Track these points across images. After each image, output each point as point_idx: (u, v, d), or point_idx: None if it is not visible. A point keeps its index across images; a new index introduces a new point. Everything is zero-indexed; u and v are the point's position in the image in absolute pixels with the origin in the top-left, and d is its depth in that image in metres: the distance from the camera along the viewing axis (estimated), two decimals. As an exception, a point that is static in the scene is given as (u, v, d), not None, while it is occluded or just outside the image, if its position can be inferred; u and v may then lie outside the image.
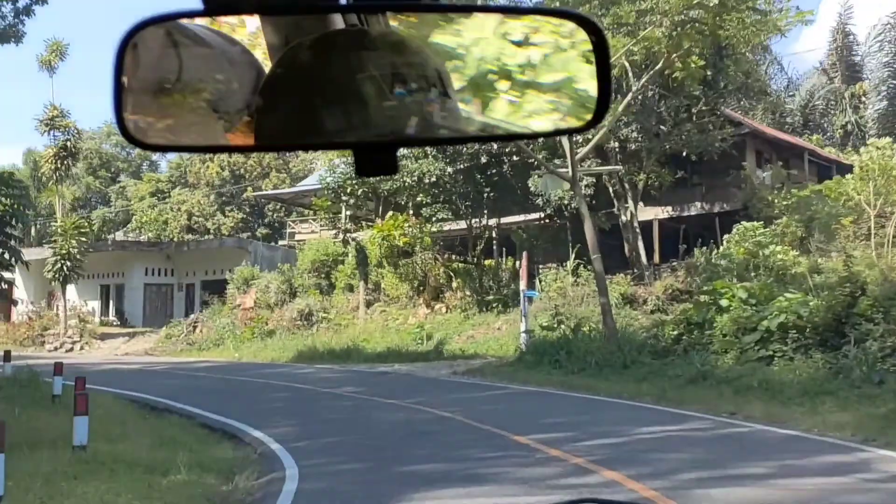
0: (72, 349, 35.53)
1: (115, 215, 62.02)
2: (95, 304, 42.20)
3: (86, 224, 39.18)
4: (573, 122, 1.29)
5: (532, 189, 29.92)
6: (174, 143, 1.25)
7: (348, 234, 35.82)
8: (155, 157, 69.79)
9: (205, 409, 15.72)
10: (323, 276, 36.38)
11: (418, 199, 31.89)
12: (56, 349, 35.25)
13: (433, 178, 30.71)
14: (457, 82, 1.25)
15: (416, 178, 30.63)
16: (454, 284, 32.59)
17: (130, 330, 38.95)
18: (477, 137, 1.35)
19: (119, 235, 53.17)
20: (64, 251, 35.54)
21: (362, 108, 1.19)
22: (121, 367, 26.02)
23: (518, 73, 1.26)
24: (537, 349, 23.48)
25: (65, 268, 35.35)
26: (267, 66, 1.26)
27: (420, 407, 15.56)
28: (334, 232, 37.87)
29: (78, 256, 35.90)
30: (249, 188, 54.67)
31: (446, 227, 33.61)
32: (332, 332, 32.30)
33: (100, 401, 14.30)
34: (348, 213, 38.17)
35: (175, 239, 48.97)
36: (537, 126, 1.28)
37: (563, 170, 24.30)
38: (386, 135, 1.20)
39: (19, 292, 42.07)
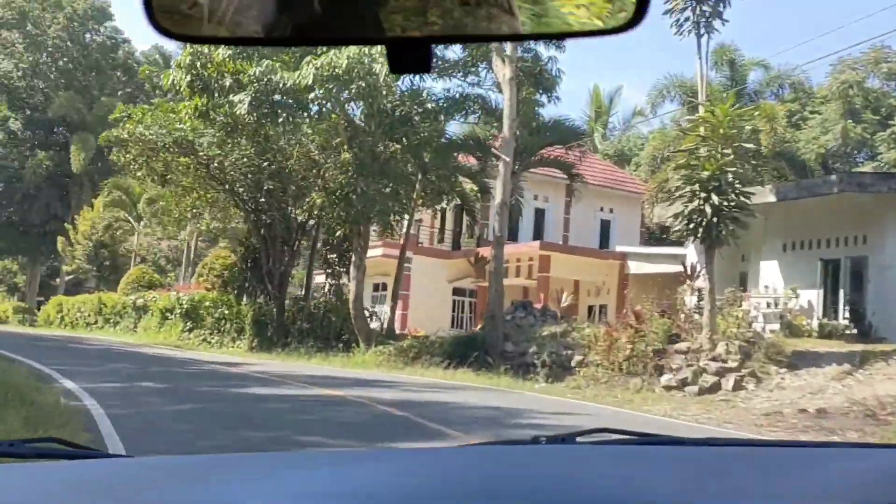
0: (717, 387, 16.85)
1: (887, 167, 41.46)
2: (811, 295, 22.93)
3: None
4: (613, 22, 1.21)
5: None
6: (204, 34, 1.22)
7: None
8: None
9: None
10: None
11: None
12: (683, 384, 17.01)
13: None
14: None
15: None
16: None
17: (865, 347, 18.34)
18: (512, 36, 1.28)
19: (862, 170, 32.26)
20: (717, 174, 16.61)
21: (397, 3, 1.17)
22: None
23: None
24: None
25: (720, 209, 16.47)
26: None
27: None
28: None
29: (744, 194, 17.03)
30: None
31: None
32: None
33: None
34: None
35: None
36: (574, 26, 1.22)
37: None
38: (420, 31, 1.18)
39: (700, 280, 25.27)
